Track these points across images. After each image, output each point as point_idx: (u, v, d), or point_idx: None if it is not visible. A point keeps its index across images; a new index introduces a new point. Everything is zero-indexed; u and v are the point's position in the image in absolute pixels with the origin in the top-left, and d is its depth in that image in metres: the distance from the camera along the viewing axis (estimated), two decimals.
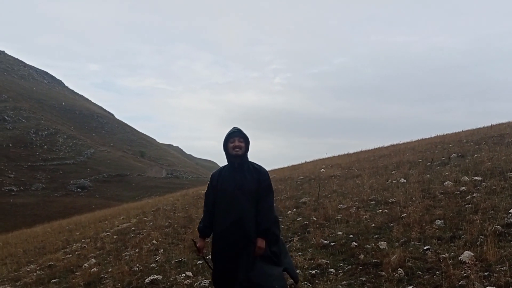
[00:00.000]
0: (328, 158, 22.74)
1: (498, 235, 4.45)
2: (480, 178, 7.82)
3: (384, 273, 4.10)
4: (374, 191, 8.88)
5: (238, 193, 3.70)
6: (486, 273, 3.67)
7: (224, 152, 3.89)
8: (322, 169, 15.72)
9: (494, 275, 3.58)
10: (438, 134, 21.90)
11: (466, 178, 8.08)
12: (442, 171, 9.75)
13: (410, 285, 3.75)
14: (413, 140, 21.93)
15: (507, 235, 4.47)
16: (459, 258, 4.01)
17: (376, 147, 22.64)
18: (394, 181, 9.60)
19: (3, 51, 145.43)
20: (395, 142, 22.29)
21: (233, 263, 3.67)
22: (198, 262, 6.09)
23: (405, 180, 9.36)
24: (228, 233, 3.69)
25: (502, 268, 3.64)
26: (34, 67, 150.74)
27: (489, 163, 9.32)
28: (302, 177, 14.28)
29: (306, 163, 22.50)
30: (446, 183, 7.98)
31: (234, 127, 3.90)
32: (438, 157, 12.21)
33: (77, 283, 6.37)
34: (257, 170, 3.85)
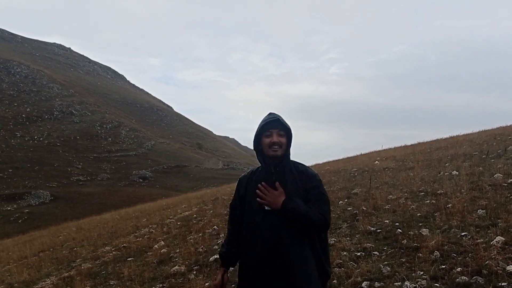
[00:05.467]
0: (383, 150, 22.83)
1: None
2: None
3: (421, 255, 4.57)
4: (424, 183, 9.17)
5: (271, 210, 2.63)
6: None
7: (255, 151, 2.80)
8: (376, 161, 15.96)
9: None
10: (501, 126, 21.48)
11: None
12: (496, 163, 9.86)
13: (443, 265, 4.21)
14: (474, 131, 21.64)
15: None
16: (491, 243, 4.41)
17: (434, 139, 22.52)
18: (446, 174, 9.81)
19: (70, 48, 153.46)
20: (455, 134, 22.10)
21: None
22: None
23: (457, 173, 9.55)
24: (260, 266, 2.63)
25: None
26: (98, 62, 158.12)
27: None
28: (356, 169, 14.61)
29: (361, 155, 22.71)
30: (496, 175, 8.17)
31: (270, 113, 2.80)
32: (495, 150, 12.20)
33: (150, 261, 7.25)
34: (303, 174, 2.71)
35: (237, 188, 2.89)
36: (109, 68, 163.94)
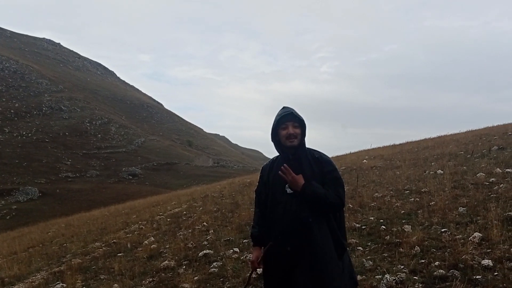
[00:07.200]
0: (372, 149, 23.09)
1: (510, 220, 5.06)
2: None
3: (402, 250, 4.76)
4: (410, 181, 9.39)
5: (293, 193, 2.90)
6: (489, 250, 4.30)
7: (272, 142, 3.08)
8: (365, 160, 16.18)
9: (494, 251, 4.20)
10: (488, 126, 21.88)
11: (498, 170, 8.49)
12: (480, 163, 10.10)
13: (422, 259, 4.41)
14: (461, 131, 22.00)
15: None
16: (469, 239, 4.62)
17: (422, 138, 22.83)
18: (431, 173, 10.04)
19: (59, 44, 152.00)
20: (443, 134, 22.46)
21: (289, 283, 2.89)
22: (245, 241, 6.91)
23: (442, 172, 9.77)
24: (282, 244, 2.89)
25: (503, 247, 4.25)
26: (88, 58, 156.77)
27: None
28: (344, 167, 14.81)
29: (350, 154, 22.91)
30: (478, 174, 8.40)
31: (284, 107, 3.07)
32: (479, 150, 12.47)
33: (141, 256, 7.38)
34: (318, 160, 2.99)
35: (261, 175, 3.20)
36: (99, 64, 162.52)
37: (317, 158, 3.00)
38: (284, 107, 3.07)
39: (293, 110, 3.02)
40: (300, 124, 2.99)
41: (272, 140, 3.06)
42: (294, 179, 2.84)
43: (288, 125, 2.95)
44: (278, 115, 3.02)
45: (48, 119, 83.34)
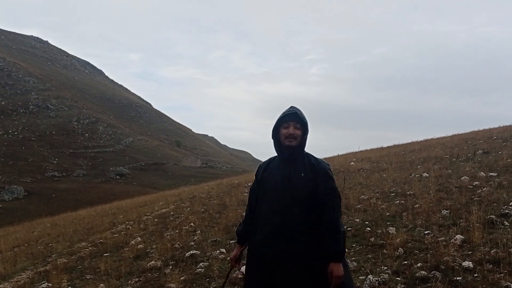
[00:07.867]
0: (360, 151, 23.25)
1: (491, 223, 5.18)
2: (495, 174, 8.37)
3: (386, 251, 4.85)
4: (395, 184, 9.51)
5: (285, 192, 2.84)
6: (470, 252, 4.40)
7: (272, 140, 3.00)
8: (352, 163, 16.30)
9: (475, 253, 4.31)
10: (474, 130, 22.18)
11: (482, 173, 8.64)
12: (464, 166, 10.26)
13: (405, 261, 4.50)
14: (448, 135, 22.27)
15: (499, 223, 5.18)
16: (451, 241, 4.72)
17: (409, 141, 23.06)
18: (416, 175, 10.17)
19: (47, 41, 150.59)
20: (430, 137, 22.71)
21: (271, 284, 2.84)
22: (231, 242, 6.95)
23: (427, 175, 9.91)
24: (267, 244, 2.84)
25: (484, 249, 4.35)
26: (76, 57, 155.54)
27: (509, 159, 9.83)
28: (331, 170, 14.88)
29: (338, 156, 23.05)
30: (463, 178, 8.54)
31: (291, 107, 3.00)
32: (465, 153, 12.64)
33: (127, 256, 7.38)
34: (314, 167, 2.88)
35: (256, 173, 3.13)
36: (87, 63, 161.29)
37: (313, 164, 2.89)
38: (291, 106, 3.02)
39: (298, 110, 2.97)
40: (303, 126, 2.92)
41: (273, 138, 2.99)
42: (339, 277, 2.71)
43: (290, 125, 2.90)
44: (282, 113, 2.97)
45: (35, 118, 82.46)
